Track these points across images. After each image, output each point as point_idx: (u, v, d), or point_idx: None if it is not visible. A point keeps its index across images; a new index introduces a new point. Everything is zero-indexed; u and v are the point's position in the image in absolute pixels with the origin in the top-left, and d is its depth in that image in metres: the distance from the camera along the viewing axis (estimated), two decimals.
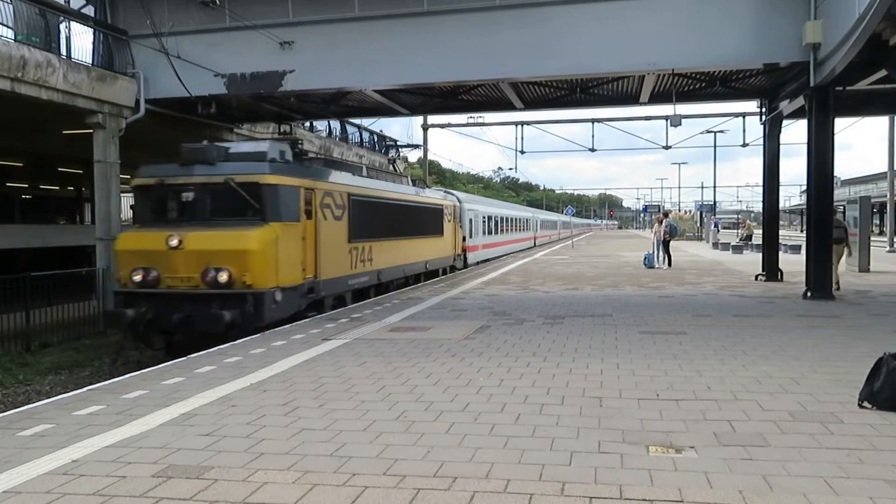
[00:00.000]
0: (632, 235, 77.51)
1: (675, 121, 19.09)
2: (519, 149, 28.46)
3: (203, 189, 10.97)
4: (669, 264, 22.59)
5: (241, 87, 14.76)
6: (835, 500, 3.67)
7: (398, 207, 17.21)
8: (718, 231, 42.43)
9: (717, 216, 50.44)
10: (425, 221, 19.75)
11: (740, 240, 35.37)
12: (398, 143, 31.38)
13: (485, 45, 13.66)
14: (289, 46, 14.31)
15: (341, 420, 5.31)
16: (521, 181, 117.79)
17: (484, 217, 29.38)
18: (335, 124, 27.48)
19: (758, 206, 69.26)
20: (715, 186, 55.60)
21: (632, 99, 18.13)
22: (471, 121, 29.47)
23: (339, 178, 13.69)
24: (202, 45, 14.72)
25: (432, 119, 33.45)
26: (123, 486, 4.03)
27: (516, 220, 40.44)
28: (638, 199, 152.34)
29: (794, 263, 18.91)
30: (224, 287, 10.36)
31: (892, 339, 8.47)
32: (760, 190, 19.32)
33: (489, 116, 28.57)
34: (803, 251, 17.24)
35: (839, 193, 48.92)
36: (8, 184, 26.63)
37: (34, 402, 6.54)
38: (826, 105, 12.94)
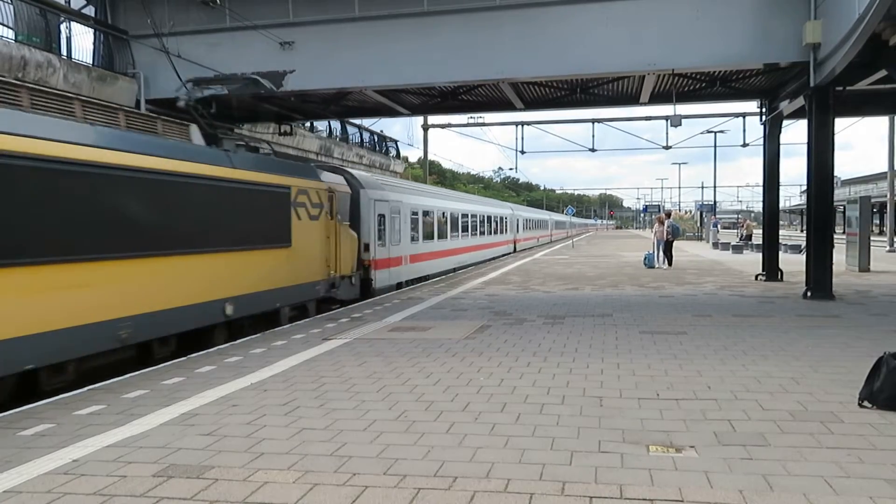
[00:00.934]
0: (632, 235, 77.51)
1: (676, 121, 19.09)
2: (519, 149, 28.55)
3: None
4: (670, 264, 22.61)
5: (241, 88, 14.77)
6: (835, 499, 3.68)
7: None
8: (718, 231, 42.43)
9: (717, 216, 50.43)
10: (213, 219, 9.57)
11: (740, 239, 35.39)
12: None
13: (485, 45, 13.66)
14: (289, 46, 14.32)
15: (342, 420, 5.32)
16: (521, 181, 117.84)
17: (415, 212, 19.60)
18: (335, 124, 27.48)
19: (758, 206, 69.26)
20: (715, 186, 55.71)
21: (632, 99, 18.13)
22: (471, 121, 29.55)
23: None
24: (203, 45, 14.72)
25: (432, 119, 33.52)
26: (124, 485, 4.04)
27: (482, 218, 30.03)
28: (638, 199, 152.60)
29: (794, 263, 18.91)
30: None
31: (892, 338, 8.48)
32: (760, 190, 19.32)
33: (489, 116, 28.72)
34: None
35: (839, 193, 49.10)
36: None
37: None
38: (826, 105, 12.95)
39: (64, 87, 13.22)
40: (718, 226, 44.32)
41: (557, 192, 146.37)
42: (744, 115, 25.73)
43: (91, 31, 14.71)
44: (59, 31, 13.91)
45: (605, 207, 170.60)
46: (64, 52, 13.86)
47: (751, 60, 13.25)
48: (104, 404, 5.93)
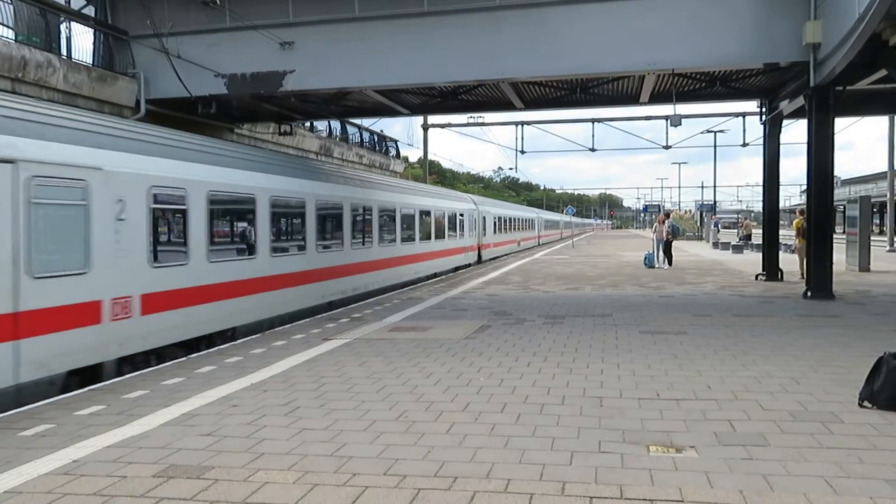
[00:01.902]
0: (632, 235, 77.50)
1: (676, 121, 19.10)
2: (519, 149, 28.59)
3: None
4: (670, 264, 22.60)
5: (241, 88, 14.76)
6: (835, 499, 3.68)
7: None
8: (718, 231, 42.41)
9: (717, 216, 50.40)
10: None
11: (740, 239, 35.37)
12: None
13: (485, 45, 13.65)
14: (289, 46, 14.31)
15: (342, 420, 5.32)
16: (521, 181, 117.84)
17: (207, 196, 10.01)
18: (335, 124, 27.48)
19: (758, 206, 69.30)
20: (715, 186, 55.73)
21: (632, 99, 18.13)
22: (471, 121, 29.52)
23: None
24: (203, 45, 14.71)
25: (432, 119, 33.52)
26: (124, 486, 4.04)
27: (394, 214, 17.98)
28: (638, 198, 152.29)
29: (794, 263, 18.88)
30: None
31: (892, 338, 8.47)
32: (760, 190, 19.33)
33: (489, 116, 28.62)
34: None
35: (839, 193, 49.08)
36: None
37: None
38: (826, 105, 12.94)
39: (64, 87, 13.23)
40: (719, 225, 44.32)
41: (557, 191, 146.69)
42: (744, 114, 25.75)
43: (91, 31, 14.70)
44: (59, 31, 13.90)
45: (605, 207, 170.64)
46: (64, 52, 13.85)
47: (751, 60, 13.25)
48: (104, 404, 5.94)
